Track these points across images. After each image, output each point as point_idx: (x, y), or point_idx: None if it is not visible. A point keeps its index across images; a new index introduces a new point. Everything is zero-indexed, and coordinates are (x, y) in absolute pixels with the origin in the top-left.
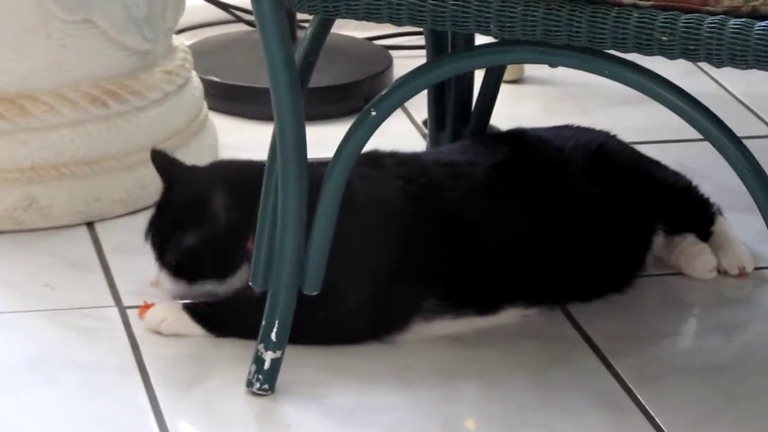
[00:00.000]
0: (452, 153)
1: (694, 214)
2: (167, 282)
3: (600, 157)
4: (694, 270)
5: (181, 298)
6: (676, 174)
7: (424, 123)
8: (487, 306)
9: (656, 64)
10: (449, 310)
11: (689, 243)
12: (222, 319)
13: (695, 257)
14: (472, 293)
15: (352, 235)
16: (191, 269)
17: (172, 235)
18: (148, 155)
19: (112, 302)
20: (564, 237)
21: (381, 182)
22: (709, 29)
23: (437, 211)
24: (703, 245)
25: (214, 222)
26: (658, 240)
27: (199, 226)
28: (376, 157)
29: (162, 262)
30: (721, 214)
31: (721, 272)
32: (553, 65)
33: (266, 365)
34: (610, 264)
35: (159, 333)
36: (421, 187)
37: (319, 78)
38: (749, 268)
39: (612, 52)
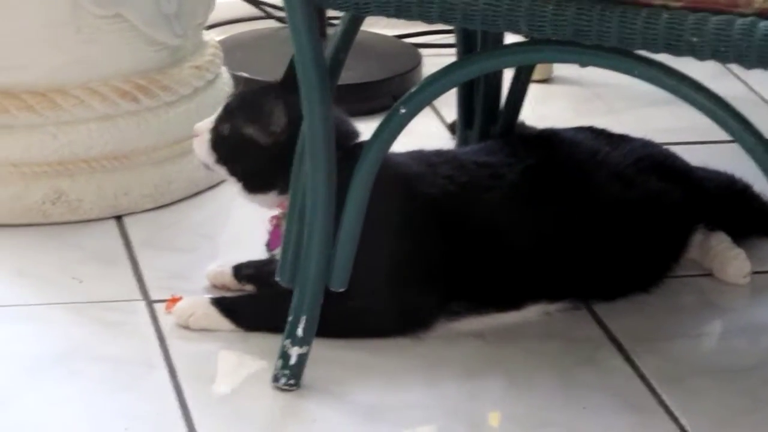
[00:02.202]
0: (486, 153)
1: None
2: (203, 143)
3: (634, 159)
4: (726, 275)
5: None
6: (725, 175)
7: (452, 126)
8: (510, 304)
9: (685, 65)
10: (473, 309)
11: (724, 247)
12: (251, 313)
13: (729, 262)
14: (496, 293)
15: (388, 232)
16: (228, 152)
17: (239, 114)
18: (176, 150)
19: (139, 296)
20: (591, 237)
21: (425, 180)
22: (740, 31)
23: (472, 211)
24: (738, 250)
25: (267, 131)
26: (694, 242)
27: (257, 127)
28: (423, 155)
29: (216, 122)
30: None
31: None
32: (582, 65)
33: (292, 361)
34: (636, 265)
35: (187, 327)
36: (459, 188)
37: (349, 75)
38: None
39: (642, 52)
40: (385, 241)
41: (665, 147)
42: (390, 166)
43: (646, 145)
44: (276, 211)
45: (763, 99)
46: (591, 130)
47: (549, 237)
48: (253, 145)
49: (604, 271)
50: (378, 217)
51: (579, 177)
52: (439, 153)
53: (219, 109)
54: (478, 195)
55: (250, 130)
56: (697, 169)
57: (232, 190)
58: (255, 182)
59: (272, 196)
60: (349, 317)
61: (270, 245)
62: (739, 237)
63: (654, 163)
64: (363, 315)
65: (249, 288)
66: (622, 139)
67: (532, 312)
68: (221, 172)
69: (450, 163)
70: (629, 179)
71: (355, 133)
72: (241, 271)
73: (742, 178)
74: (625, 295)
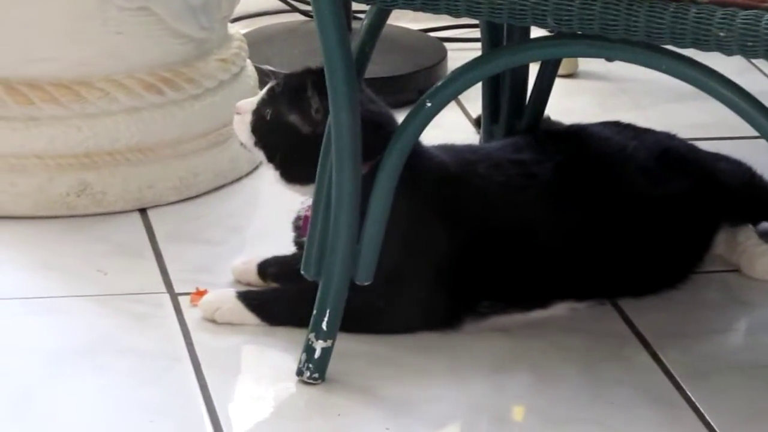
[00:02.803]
0: (515, 149)
1: (757, 204)
2: (244, 123)
3: (660, 154)
4: (754, 271)
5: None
6: (739, 164)
7: (477, 120)
8: (538, 303)
9: (710, 60)
10: (500, 309)
11: (752, 243)
12: (276, 308)
13: (757, 258)
14: (524, 292)
15: (418, 228)
16: (268, 137)
17: (282, 99)
18: (202, 143)
19: (164, 289)
20: (619, 234)
21: (460, 178)
22: None
23: (503, 211)
24: (766, 246)
25: (309, 119)
26: (720, 238)
27: (299, 115)
28: (457, 151)
29: (259, 104)
30: None
31: None
32: (609, 59)
33: (317, 354)
34: (665, 261)
35: (213, 321)
36: (495, 187)
37: (374, 69)
38: None
39: (669, 47)
40: (415, 238)
41: (688, 141)
42: (425, 162)
43: (670, 137)
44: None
45: None
46: (617, 125)
47: (578, 236)
48: (294, 133)
49: (632, 268)
50: (409, 213)
51: (606, 174)
52: (472, 149)
53: (263, 91)
54: (511, 194)
55: (292, 117)
56: (719, 160)
57: (258, 183)
58: (293, 171)
59: (310, 188)
60: (375, 313)
61: (302, 231)
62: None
63: (678, 157)
64: (388, 312)
65: (274, 286)
66: (647, 133)
67: (558, 310)
68: (259, 155)
69: (485, 161)
70: (655, 175)
71: (387, 126)
72: (266, 269)
73: (752, 167)
74: (653, 292)
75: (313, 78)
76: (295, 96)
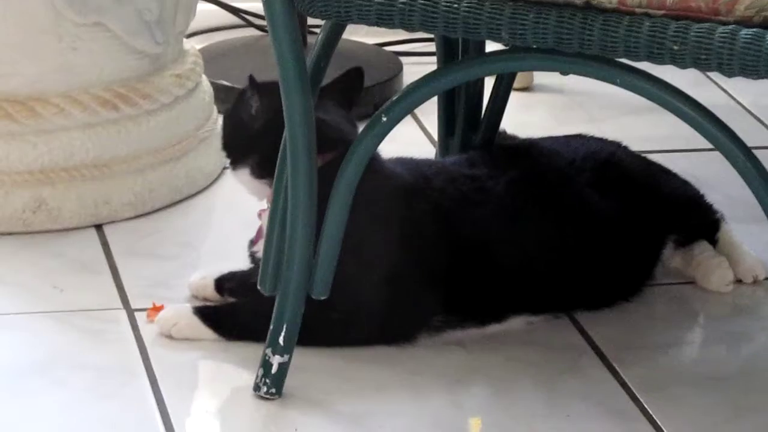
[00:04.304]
0: (470, 165)
1: (700, 221)
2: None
3: (609, 168)
4: (710, 283)
5: None
6: (685, 183)
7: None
8: (492, 317)
9: (665, 74)
10: (454, 323)
11: (707, 256)
12: (233, 322)
13: (712, 270)
14: (478, 306)
15: (376, 239)
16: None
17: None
18: (157, 159)
19: (120, 305)
20: (573, 249)
21: (418, 193)
22: (721, 39)
23: (459, 226)
24: (721, 258)
25: (248, 110)
26: (676, 251)
27: (242, 107)
28: (415, 164)
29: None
30: (724, 221)
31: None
32: (564, 73)
33: (274, 369)
34: (617, 274)
35: (170, 337)
36: (451, 202)
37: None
38: (762, 276)
39: (623, 60)
40: (373, 251)
41: (642, 154)
42: (382, 175)
43: (619, 149)
44: (265, 205)
45: (743, 107)
46: (580, 137)
47: (531, 250)
48: (241, 125)
49: (584, 281)
50: (366, 227)
51: (557, 189)
52: (428, 163)
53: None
54: (466, 209)
55: (237, 111)
56: (667, 173)
57: (213, 198)
58: (258, 168)
59: (264, 186)
60: (332, 326)
61: (255, 240)
62: (685, 244)
63: (626, 171)
64: (344, 325)
65: (231, 301)
66: (597, 146)
67: (514, 324)
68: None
69: (441, 175)
70: (603, 190)
71: (346, 136)
72: (223, 284)
73: (693, 184)
74: (606, 306)
75: (252, 80)
76: (241, 100)
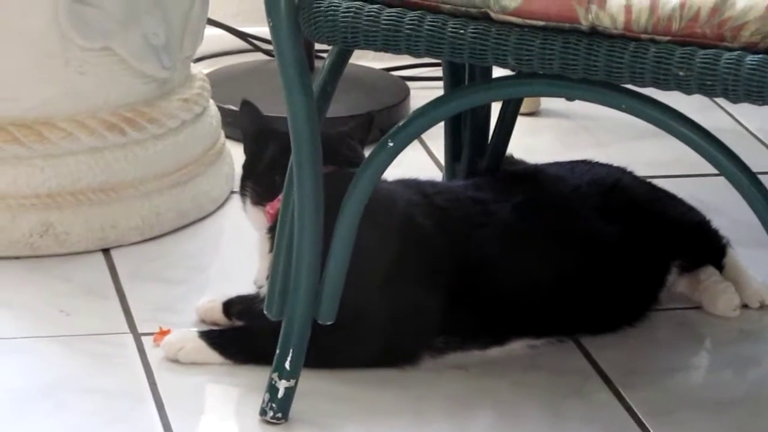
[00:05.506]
0: (476, 188)
1: (706, 247)
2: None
3: (615, 194)
4: (716, 308)
5: None
6: (691, 209)
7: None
8: (495, 340)
9: (672, 99)
10: (457, 345)
11: (713, 281)
12: (240, 346)
13: (719, 295)
14: (481, 329)
15: (381, 263)
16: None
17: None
18: (164, 183)
19: (126, 329)
20: (576, 273)
21: (419, 214)
22: (726, 65)
23: (462, 248)
24: (727, 283)
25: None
26: (682, 276)
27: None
28: (418, 185)
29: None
30: (730, 246)
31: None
32: (570, 99)
33: (280, 394)
34: (620, 299)
35: (176, 361)
36: (454, 223)
37: (336, 108)
38: None
39: (629, 86)
40: (376, 274)
41: (647, 179)
42: (385, 200)
43: (624, 175)
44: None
45: (749, 132)
46: (586, 163)
47: (534, 274)
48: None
49: (586, 306)
50: (369, 250)
51: (562, 214)
52: (433, 184)
53: None
54: (470, 231)
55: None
56: (672, 199)
57: (220, 222)
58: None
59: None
60: (336, 349)
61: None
62: (690, 270)
63: (631, 196)
64: (349, 347)
65: (239, 324)
66: (603, 171)
67: (515, 347)
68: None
69: (445, 198)
70: (608, 215)
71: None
72: (231, 308)
73: (699, 209)
74: (609, 330)
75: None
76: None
